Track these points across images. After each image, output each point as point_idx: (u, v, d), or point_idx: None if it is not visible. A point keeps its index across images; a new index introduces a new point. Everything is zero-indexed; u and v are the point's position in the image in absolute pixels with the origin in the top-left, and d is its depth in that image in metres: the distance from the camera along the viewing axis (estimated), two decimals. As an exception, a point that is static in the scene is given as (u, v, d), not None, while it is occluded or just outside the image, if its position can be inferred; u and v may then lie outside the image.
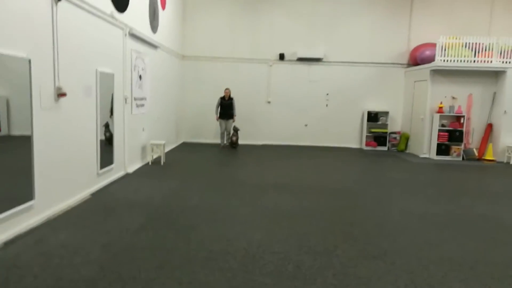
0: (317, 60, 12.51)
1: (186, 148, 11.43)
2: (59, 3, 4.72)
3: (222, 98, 11.41)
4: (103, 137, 6.45)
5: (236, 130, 11.52)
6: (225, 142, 11.73)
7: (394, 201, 6.08)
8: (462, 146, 11.03)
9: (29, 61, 4.18)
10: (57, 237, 4.07)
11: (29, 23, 4.21)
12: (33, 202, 4.35)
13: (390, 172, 8.61)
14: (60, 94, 4.75)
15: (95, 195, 5.84)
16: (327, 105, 12.81)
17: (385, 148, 12.47)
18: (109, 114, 6.67)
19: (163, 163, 8.68)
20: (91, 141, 5.92)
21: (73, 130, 5.28)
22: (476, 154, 11.13)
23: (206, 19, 12.46)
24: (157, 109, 9.74)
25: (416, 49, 11.94)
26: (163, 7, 9.95)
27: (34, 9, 4.29)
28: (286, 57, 12.60)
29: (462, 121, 11.02)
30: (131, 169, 7.71)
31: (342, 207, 5.62)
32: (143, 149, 8.66)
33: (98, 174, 6.19)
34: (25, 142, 4.27)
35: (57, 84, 4.74)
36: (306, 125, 12.88)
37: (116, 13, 6.68)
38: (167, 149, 10.72)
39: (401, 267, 3.71)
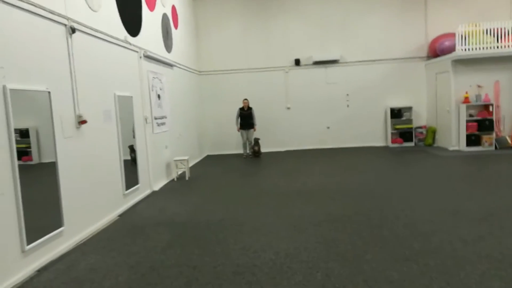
0: (334, 62, 12.39)
1: (210, 161, 11.52)
2: (74, 35, 4.88)
3: (241, 109, 11.46)
4: (129, 158, 6.60)
5: (257, 140, 11.54)
6: (248, 151, 11.74)
7: (425, 199, 5.88)
8: (494, 135, 10.59)
9: (49, 93, 4.33)
10: (87, 262, 4.16)
11: (46, 56, 4.38)
12: (63, 228, 4.47)
13: (418, 168, 8.36)
14: (81, 122, 4.89)
15: (122, 216, 5.95)
16: (348, 105, 12.63)
17: (411, 144, 12.14)
18: (132, 135, 6.83)
19: (188, 178, 8.77)
20: (115, 164, 6.06)
21: (96, 154, 5.42)
22: (510, 142, 10.66)
23: (218, 33, 12.61)
24: (179, 126, 9.88)
25: (435, 40, 11.63)
26: (176, 27, 10.14)
27: (50, 42, 4.46)
28: (302, 62, 12.55)
29: (491, 109, 10.59)
30: (157, 186, 7.83)
31: (370, 209, 5.48)
32: (168, 166, 8.78)
33: (124, 195, 6.31)
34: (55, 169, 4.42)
35: (77, 112, 4.88)
36: (328, 128, 12.74)
37: (130, 38, 6.86)
38: (191, 164, 10.85)
39: (435, 268, 3.56)
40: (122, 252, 4.37)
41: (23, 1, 4.01)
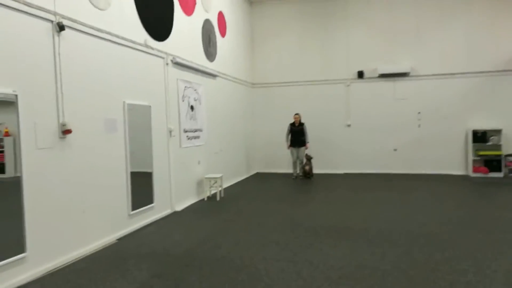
0: (403, 75, 10.75)
1: (256, 179, 10.57)
2: (64, 33, 4.32)
3: (292, 125, 10.37)
4: (143, 172, 5.95)
5: (309, 158, 10.31)
6: (298, 172, 10.57)
7: (508, 255, 4.24)
8: None
9: (16, 96, 3.76)
10: (35, 300, 3.43)
11: (20, 55, 3.84)
12: (25, 254, 3.83)
13: (505, 208, 6.48)
14: (65, 131, 4.28)
15: (122, 240, 5.23)
16: (419, 125, 10.83)
17: (500, 175, 9.93)
18: (149, 148, 6.18)
19: (220, 198, 7.90)
20: (118, 180, 5.40)
21: (89, 169, 4.79)
22: None
23: (275, 42, 11.75)
24: (219, 141, 9.12)
25: (535, 48, 9.44)
26: (223, 34, 9.50)
27: (26, 39, 3.92)
28: (366, 74, 11.11)
29: None
30: (180, 206, 7.08)
31: (420, 263, 4.03)
32: (200, 183, 8.02)
33: (130, 216, 5.61)
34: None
35: (61, 120, 4.28)
36: (395, 150, 11.04)
37: (153, 42, 6.27)
38: (235, 181, 10.03)
39: None
40: (81, 292, 3.58)
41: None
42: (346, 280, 3.71)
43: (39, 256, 4.00)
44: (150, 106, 6.17)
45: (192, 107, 7.75)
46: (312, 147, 10.75)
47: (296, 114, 10.36)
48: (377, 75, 10.94)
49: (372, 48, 11.01)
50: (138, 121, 5.89)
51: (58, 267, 4.20)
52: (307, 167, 10.32)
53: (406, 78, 10.81)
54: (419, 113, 10.80)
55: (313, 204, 7.17)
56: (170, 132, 6.82)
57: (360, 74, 11.12)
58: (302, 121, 10.47)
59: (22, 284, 3.76)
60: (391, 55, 10.87)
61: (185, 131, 7.46)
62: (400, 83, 10.88)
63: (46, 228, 4.10)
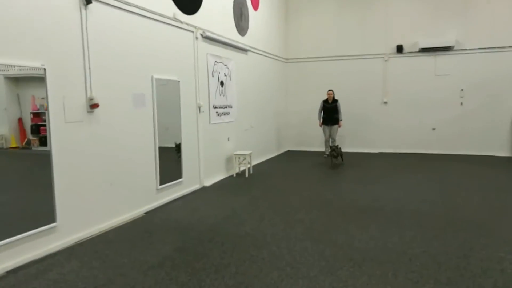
0: (446, 49, 10.09)
1: (287, 157, 10.46)
2: (91, 6, 4.32)
3: (325, 101, 10.07)
4: (172, 148, 6.01)
5: (335, 148, 8.80)
6: (329, 150, 10.32)
7: (544, 246, 3.94)
8: None
9: (44, 70, 3.82)
10: (62, 269, 3.56)
11: (47, 29, 3.87)
12: (55, 224, 3.98)
13: (549, 194, 6.03)
14: (93, 105, 4.34)
15: (149, 213, 5.34)
16: (462, 103, 10.22)
17: (550, 158, 9.24)
18: (178, 124, 6.21)
19: (248, 175, 7.89)
20: (147, 155, 5.47)
21: (118, 143, 4.86)
22: None
23: (311, 17, 11.33)
24: (250, 117, 9.04)
25: None
26: (255, 8, 9.24)
27: (54, 13, 3.95)
28: (405, 48, 10.53)
29: None
30: (209, 182, 7.13)
31: (458, 248, 3.82)
32: (229, 160, 8.03)
33: (158, 190, 5.71)
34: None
35: (88, 94, 4.34)
36: (434, 129, 10.52)
37: (182, 15, 6.18)
38: (265, 158, 9.97)
39: None
40: (108, 262, 3.69)
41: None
42: (370, 263, 3.58)
43: (69, 226, 4.15)
44: (179, 81, 6.14)
45: (222, 83, 7.67)
46: (346, 125, 10.44)
47: (330, 90, 10.03)
48: (417, 49, 10.33)
49: (413, 20, 10.37)
50: (167, 96, 5.89)
51: (86, 237, 4.35)
52: (334, 153, 8.83)
53: (450, 52, 10.13)
54: (462, 90, 10.16)
55: (344, 184, 7.00)
56: (199, 108, 6.80)
57: (399, 49, 10.54)
58: (336, 98, 10.13)
59: (52, 252, 3.93)
60: (434, 28, 10.19)
61: (215, 107, 7.42)
62: (442, 58, 10.23)
63: (75, 200, 4.23)
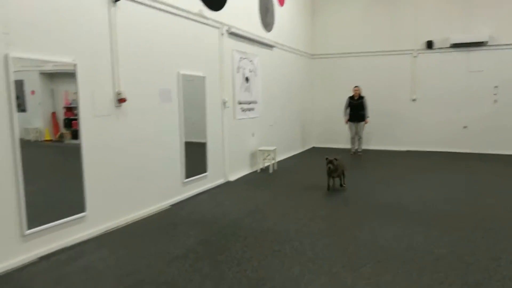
0: (479, 44, 9.72)
1: (311, 154, 10.41)
2: (119, 3, 4.43)
3: (351, 98, 9.93)
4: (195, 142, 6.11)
5: (332, 161, 6.06)
6: (356, 147, 10.19)
7: None
8: None
9: (75, 65, 3.96)
10: (88, 258, 3.70)
11: (78, 26, 4.01)
12: (85, 213, 4.13)
13: None
14: (120, 100, 4.46)
15: (175, 206, 5.45)
16: (495, 100, 9.84)
17: None
18: (203, 119, 6.29)
19: (273, 171, 7.90)
20: (173, 149, 5.57)
21: (144, 137, 4.98)
22: None
23: (338, 12, 11.19)
24: (275, 113, 9.04)
25: None
26: (281, 3, 9.21)
27: (84, 11, 4.07)
28: (436, 44, 10.23)
29: None
30: (233, 177, 7.19)
31: (488, 250, 3.71)
32: (253, 155, 8.06)
33: (184, 184, 5.81)
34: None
35: (116, 89, 4.46)
36: (465, 127, 10.19)
37: (208, 11, 6.24)
38: (290, 155, 9.96)
39: None
40: (132, 252, 3.80)
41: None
42: (393, 262, 3.53)
43: (98, 216, 4.29)
44: (204, 77, 6.21)
45: (247, 79, 7.70)
46: (372, 122, 10.25)
47: (356, 86, 9.88)
48: (448, 45, 10.01)
49: (443, 15, 10.05)
50: (193, 92, 5.97)
51: (114, 227, 4.49)
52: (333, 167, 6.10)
53: (483, 47, 9.76)
54: (496, 87, 9.78)
55: (369, 181, 6.90)
56: (224, 103, 6.86)
57: (429, 44, 10.25)
58: (363, 94, 9.97)
59: (81, 240, 4.08)
60: (466, 23, 9.85)
61: (240, 103, 7.46)
62: (475, 54, 9.88)
63: (104, 191, 4.38)
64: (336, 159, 6.06)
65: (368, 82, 10.77)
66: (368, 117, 9.89)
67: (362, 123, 9.90)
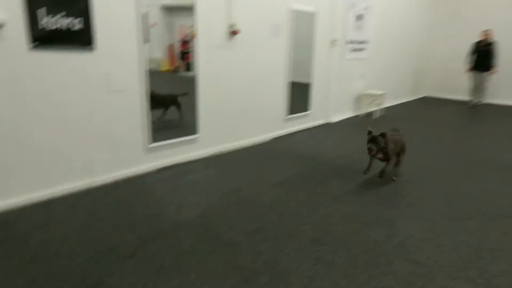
0: None
1: (423, 103, 9.68)
2: None
3: (478, 43, 8.75)
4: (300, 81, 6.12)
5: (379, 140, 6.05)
6: (477, 99, 9.13)
7: None
8: None
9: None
10: (202, 172, 4.13)
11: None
12: (197, 135, 4.56)
13: None
14: (233, 32, 4.61)
15: (276, 139, 5.68)
16: None
17: None
18: (309, 57, 6.21)
19: (378, 116, 7.60)
20: (278, 85, 5.68)
21: (253, 71, 5.14)
22: None
23: None
24: (385, 55, 8.48)
25: None
26: None
27: None
28: None
29: None
30: (335, 118, 7.13)
31: None
32: (359, 98, 7.81)
33: (285, 120, 5.96)
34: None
35: (229, 21, 4.60)
36: None
37: None
38: (397, 102, 9.44)
39: None
40: (235, 174, 4.13)
41: None
42: (504, 219, 3.26)
43: (207, 140, 4.72)
44: (315, 12, 6.02)
45: (360, 17, 7.25)
46: (504, 72, 8.97)
47: (487, 30, 8.62)
48: None
49: None
50: (301, 28, 5.86)
51: (221, 151, 4.90)
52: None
53: None
54: None
55: (486, 138, 6.24)
56: (334, 41, 6.63)
57: None
58: (493, 40, 8.68)
59: (192, 159, 4.57)
60: None
61: (350, 42, 7.13)
62: None
63: (215, 118, 4.74)
64: (383, 135, 3.84)
65: (502, 25, 9.28)
66: (495, 66, 8.67)
67: (487, 73, 8.74)
